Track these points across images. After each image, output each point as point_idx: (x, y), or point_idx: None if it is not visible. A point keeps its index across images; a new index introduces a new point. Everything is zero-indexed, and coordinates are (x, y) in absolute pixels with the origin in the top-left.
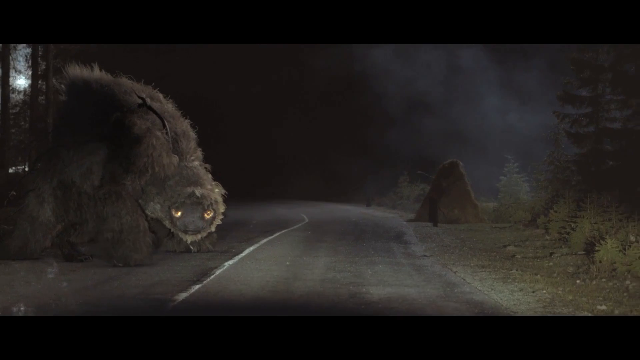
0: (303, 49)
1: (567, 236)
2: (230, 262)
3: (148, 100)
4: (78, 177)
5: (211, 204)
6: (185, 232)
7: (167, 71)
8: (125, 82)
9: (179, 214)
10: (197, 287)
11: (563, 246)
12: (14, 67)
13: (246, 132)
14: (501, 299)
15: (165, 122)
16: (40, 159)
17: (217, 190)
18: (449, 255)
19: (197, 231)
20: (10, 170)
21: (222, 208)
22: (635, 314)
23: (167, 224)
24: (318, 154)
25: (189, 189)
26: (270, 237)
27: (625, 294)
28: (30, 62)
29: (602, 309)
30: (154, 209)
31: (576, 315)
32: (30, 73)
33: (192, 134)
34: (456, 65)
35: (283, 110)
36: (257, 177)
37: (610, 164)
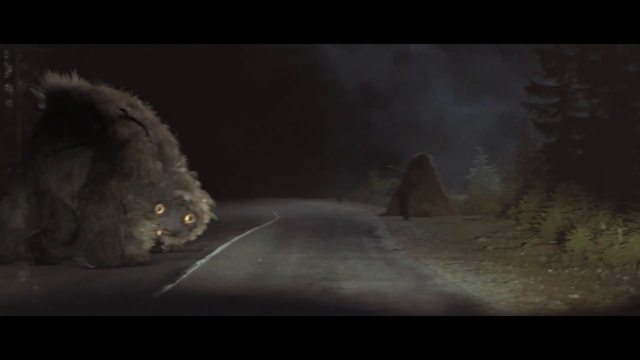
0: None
1: (538, 226)
2: (203, 261)
3: (129, 109)
4: (55, 183)
5: (195, 211)
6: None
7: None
8: (105, 90)
9: (162, 210)
10: (169, 286)
11: (534, 236)
12: None
13: (204, 131)
14: (473, 290)
15: (148, 130)
16: (19, 165)
17: (204, 200)
18: (420, 249)
19: (174, 233)
20: None
21: (206, 218)
22: (607, 301)
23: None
24: (285, 151)
25: (179, 192)
26: (242, 235)
27: (597, 282)
28: None
29: (574, 297)
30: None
31: (549, 304)
32: None
33: (173, 140)
34: (414, 57)
35: (240, 107)
36: (224, 176)
37: (579, 153)
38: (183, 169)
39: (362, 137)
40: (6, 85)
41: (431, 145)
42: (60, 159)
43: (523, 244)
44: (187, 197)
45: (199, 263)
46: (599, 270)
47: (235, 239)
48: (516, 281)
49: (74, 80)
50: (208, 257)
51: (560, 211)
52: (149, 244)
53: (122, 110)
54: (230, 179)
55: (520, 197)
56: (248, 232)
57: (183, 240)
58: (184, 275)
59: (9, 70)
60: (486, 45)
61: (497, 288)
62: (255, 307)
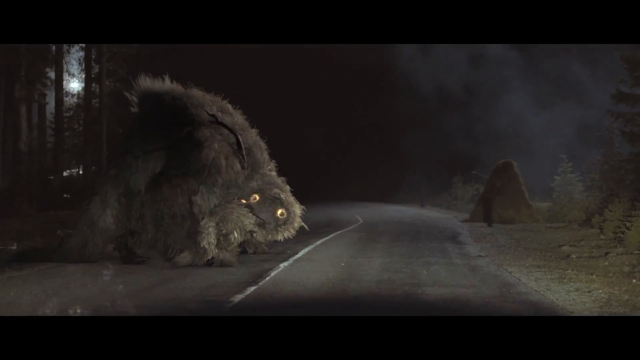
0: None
1: (622, 235)
2: (286, 263)
3: (219, 115)
4: (144, 183)
5: (288, 208)
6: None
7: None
8: (197, 94)
9: (256, 200)
10: (252, 288)
11: (618, 246)
12: (67, 71)
13: (286, 135)
14: (557, 299)
15: (239, 136)
16: (111, 166)
17: (297, 205)
18: (504, 256)
19: (262, 223)
20: (65, 174)
21: (297, 221)
22: None
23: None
24: (368, 155)
25: (276, 190)
26: (325, 239)
27: None
28: (83, 65)
29: None
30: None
31: (633, 314)
32: (83, 76)
33: (262, 144)
34: (492, 62)
35: (320, 111)
36: (307, 179)
37: None
38: (273, 173)
39: (444, 141)
40: (93, 85)
41: (512, 151)
42: (147, 159)
43: (607, 253)
44: (283, 195)
45: (282, 265)
46: None
47: (319, 242)
48: (600, 291)
49: (167, 84)
50: (291, 259)
51: None
52: (239, 237)
53: (212, 115)
54: (313, 182)
55: (605, 205)
56: (331, 235)
57: (269, 236)
58: (267, 278)
59: (95, 69)
60: (566, 49)
61: (581, 297)
62: (337, 312)
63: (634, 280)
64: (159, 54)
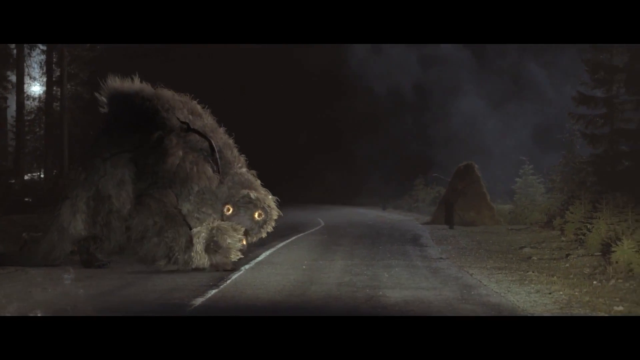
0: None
1: (583, 237)
2: (247, 266)
3: (190, 118)
4: (112, 188)
5: (264, 207)
6: None
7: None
8: (167, 94)
9: (230, 212)
10: (213, 292)
11: (579, 247)
12: (28, 74)
13: (246, 136)
14: (518, 301)
15: (211, 141)
16: (80, 170)
17: (269, 196)
18: (465, 258)
19: (246, 232)
20: (26, 177)
21: (275, 214)
22: None
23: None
24: (328, 158)
25: (244, 191)
26: (287, 241)
27: None
28: (44, 68)
29: (618, 309)
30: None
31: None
32: (44, 80)
33: (231, 142)
34: (453, 63)
35: (281, 113)
36: (267, 182)
37: (625, 165)
38: (244, 169)
39: (403, 144)
40: (54, 88)
41: (472, 153)
42: (116, 163)
43: (568, 255)
44: (253, 195)
45: (243, 268)
46: None
47: (281, 244)
48: (561, 292)
49: (136, 84)
50: (253, 262)
51: (606, 223)
52: (235, 256)
53: (184, 122)
54: (274, 185)
55: (566, 207)
56: (293, 238)
57: (255, 239)
58: (229, 281)
59: (56, 72)
60: (523, 50)
61: (542, 299)
62: (297, 314)
63: (594, 282)
64: (121, 56)
